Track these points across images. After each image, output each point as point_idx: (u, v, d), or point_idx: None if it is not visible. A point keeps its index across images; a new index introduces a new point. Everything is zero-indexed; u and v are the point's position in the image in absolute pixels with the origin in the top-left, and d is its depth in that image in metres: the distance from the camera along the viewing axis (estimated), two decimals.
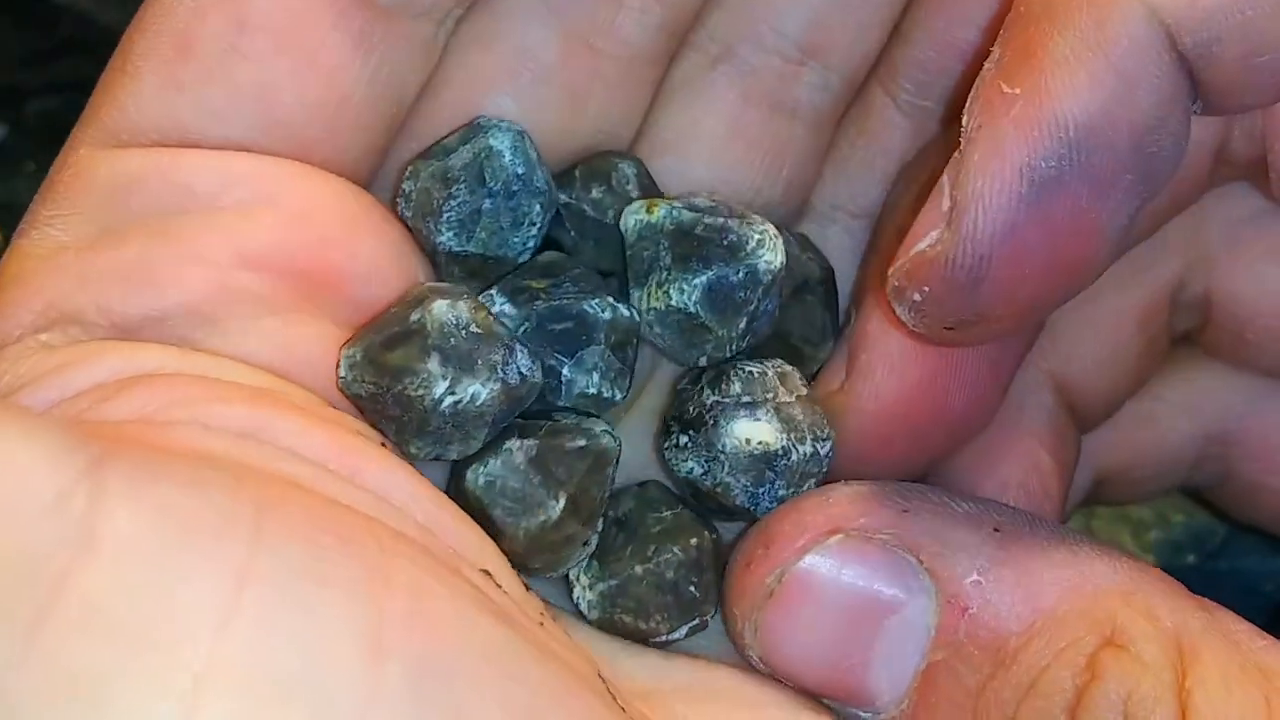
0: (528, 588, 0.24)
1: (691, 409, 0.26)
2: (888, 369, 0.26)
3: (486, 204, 0.25)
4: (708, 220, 0.26)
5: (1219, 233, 0.31)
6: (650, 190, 0.28)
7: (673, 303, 0.26)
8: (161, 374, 0.23)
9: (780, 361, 0.26)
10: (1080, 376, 0.31)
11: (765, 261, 0.25)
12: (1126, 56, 0.22)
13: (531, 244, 0.26)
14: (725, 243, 0.25)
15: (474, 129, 0.26)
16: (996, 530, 0.24)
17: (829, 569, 0.24)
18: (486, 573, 0.23)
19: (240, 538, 0.18)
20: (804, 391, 0.26)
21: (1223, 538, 0.40)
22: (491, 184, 0.25)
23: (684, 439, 0.26)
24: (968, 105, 0.24)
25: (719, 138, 0.29)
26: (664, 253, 0.26)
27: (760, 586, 0.25)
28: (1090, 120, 0.22)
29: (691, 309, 0.25)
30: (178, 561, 0.18)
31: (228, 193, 0.24)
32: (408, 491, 0.23)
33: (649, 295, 0.26)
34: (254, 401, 0.22)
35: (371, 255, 0.25)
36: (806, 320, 0.28)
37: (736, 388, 0.26)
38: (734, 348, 0.26)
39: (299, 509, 0.20)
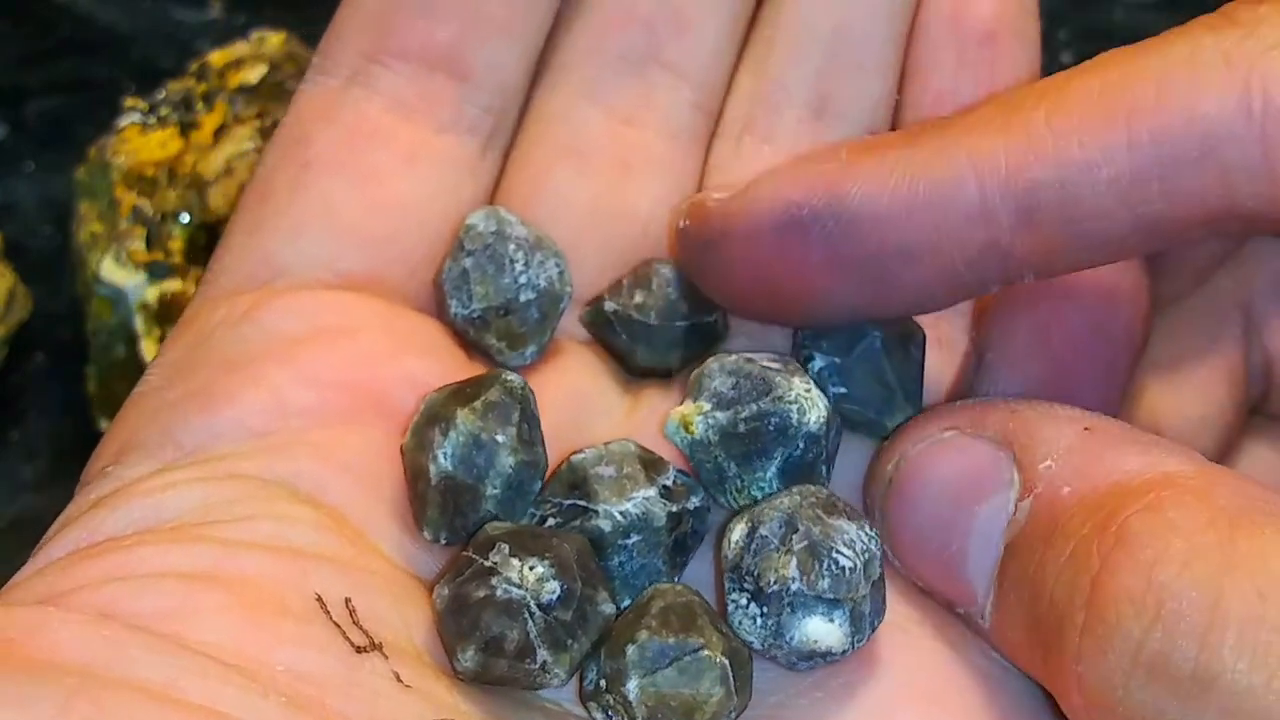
0: None
1: (769, 584, 0.25)
2: (1009, 367, 0.28)
3: (468, 262, 0.27)
4: (744, 414, 0.26)
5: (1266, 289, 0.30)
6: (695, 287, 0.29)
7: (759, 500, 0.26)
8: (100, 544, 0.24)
9: (874, 540, 0.25)
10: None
11: (815, 423, 0.26)
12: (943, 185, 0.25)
13: (524, 280, 0.27)
14: (771, 427, 0.26)
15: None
16: (1087, 429, 0.24)
17: (936, 456, 0.26)
18: None
19: None
20: (879, 574, 0.25)
21: None
22: (470, 247, 0.28)
23: (753, 609, 0.25)
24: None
25: None
26: (724, 462, 0.26)
27: (884, 474, 0.27)
28: (853, 206, 0.25)
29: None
30: None
31: (287, 325, 0.27)
32: (244, 638, 0.23)
33: (737, 498, 0.27)
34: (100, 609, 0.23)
35: (417, 366, 0.27)
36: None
37: (825, 584, 0.25)
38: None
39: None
